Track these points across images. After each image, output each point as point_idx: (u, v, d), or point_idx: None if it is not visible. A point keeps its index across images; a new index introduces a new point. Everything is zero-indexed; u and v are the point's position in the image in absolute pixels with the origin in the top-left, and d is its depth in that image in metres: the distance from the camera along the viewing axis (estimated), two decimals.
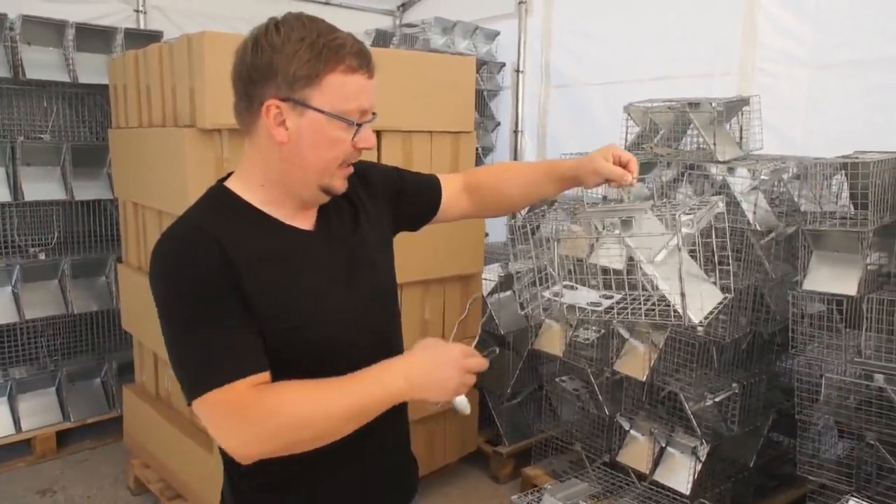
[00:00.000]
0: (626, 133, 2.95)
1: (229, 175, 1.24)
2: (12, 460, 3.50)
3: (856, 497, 1.85)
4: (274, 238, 1.17)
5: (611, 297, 1.40)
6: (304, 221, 1.23)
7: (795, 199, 2.51)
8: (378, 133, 2.83)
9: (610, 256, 1.43)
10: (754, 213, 2.38)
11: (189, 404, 1.07)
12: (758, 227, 2.40)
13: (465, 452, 3.49)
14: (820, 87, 3.10)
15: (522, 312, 3.27)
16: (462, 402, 1.17)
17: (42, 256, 3.58)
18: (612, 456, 2.97)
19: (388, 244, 1.40)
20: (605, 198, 3.01)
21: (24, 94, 3.59)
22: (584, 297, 1.43)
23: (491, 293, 3.32)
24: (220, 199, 1.19)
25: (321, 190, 1.18)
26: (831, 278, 2.21)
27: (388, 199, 1.41)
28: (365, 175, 1.37)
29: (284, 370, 1.10)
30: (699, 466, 2.67)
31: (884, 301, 2.13)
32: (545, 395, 3.44)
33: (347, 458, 1.22)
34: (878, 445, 2.22)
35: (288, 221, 1.20)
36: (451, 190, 1.53)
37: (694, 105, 2.61)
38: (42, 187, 3.49)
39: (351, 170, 1.20)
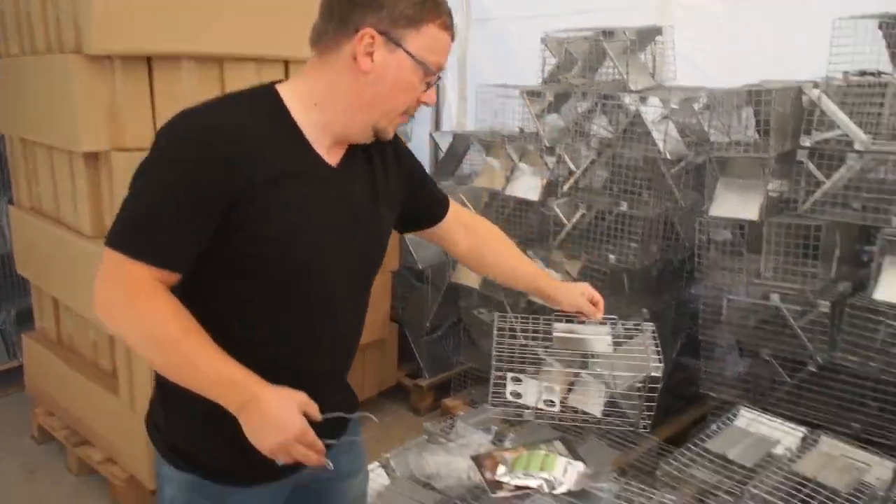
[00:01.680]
0: (544, 65, 2.93)
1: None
2: None
3: (746, 406, 1.95)
4: (297, 159, 1.15)
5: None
6: (332, 157, 1.20)
7: (705, 128, 2.55)
8: (286, 63, 2.69)
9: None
10: (664, 141, 2.41)
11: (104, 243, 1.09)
12: (668, 156, 2.44)
13: (385, 386, 3.51)
14: (735, 19, 3.13)
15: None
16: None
17: None
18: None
19: (393, 215, 1.37)
20: (521, 129, 3.00)
21: None
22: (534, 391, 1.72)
23: None
24: (264, 102, 1.16)
25: (373, 130, 1.18)
26: (735, 204, 2.28)
27: (406, 181, 1.39)
28: (399, 146, 1.37)
29: (249, 285, 1.13)
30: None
31: (782, 225, 2.22)
32: (464, 327, 3.47)
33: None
34: (772, 361, 2.34)
35: (316, 148, 1.18)
36: (456, 218, 1.52)
37: (608, 34, 2.60)
38: None
39: (406, 120, 1.21)
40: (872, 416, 2.22)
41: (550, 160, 2.74)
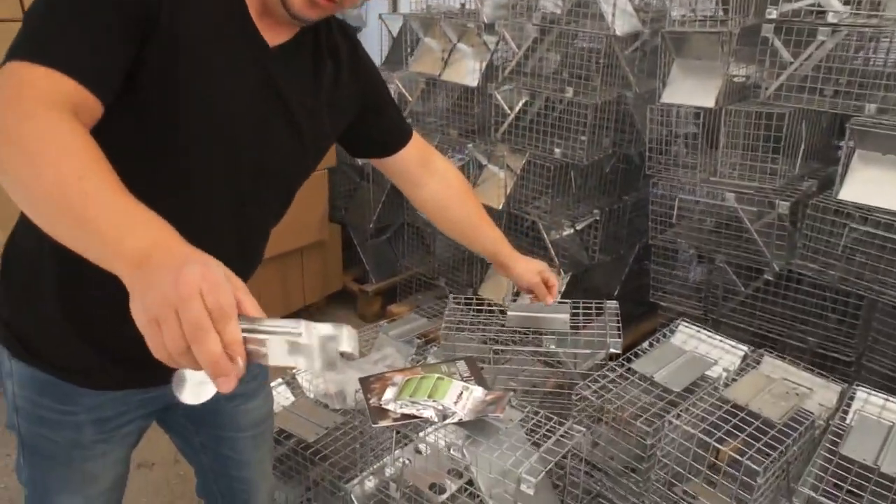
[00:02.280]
0: None
1: None
2: None
3: (686, 322, 1.73)
4: (229, 22, 0.93)
5: None
6: (272, 36, 0.98)
7: (667, 2, 2.20)
8: None
9: None
10: (614, 16, 2.06)
11: None
12: (618, 33, 2.10)
13: (329, 291, 3.31)
14: None
15: None
16: (193, 386, 0.67)
17: None
18: (474, 290, 2.83)
19: (334, 129, 1.14)
20: (462, 5, 2.64)
21: None
22: None
23: None
24: None
25: None
26: (691, 90, 1.97)
27: (359, 99, 1.17)
28: (361, 60, 1.16)
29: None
30: (558, 297, 2.55)
31: (741, 113, 1.91)
32: (412, 230, 3.23)
33: None
34: (727, 268, 2.10)
35: (256, 21, 0.96)
36: (419, 156, 1.34)
37: None
38: None
39: (321, 6, 0.93)
40: (830, 330, 2.01)
41: (490, 40, 2.39)
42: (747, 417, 1.41)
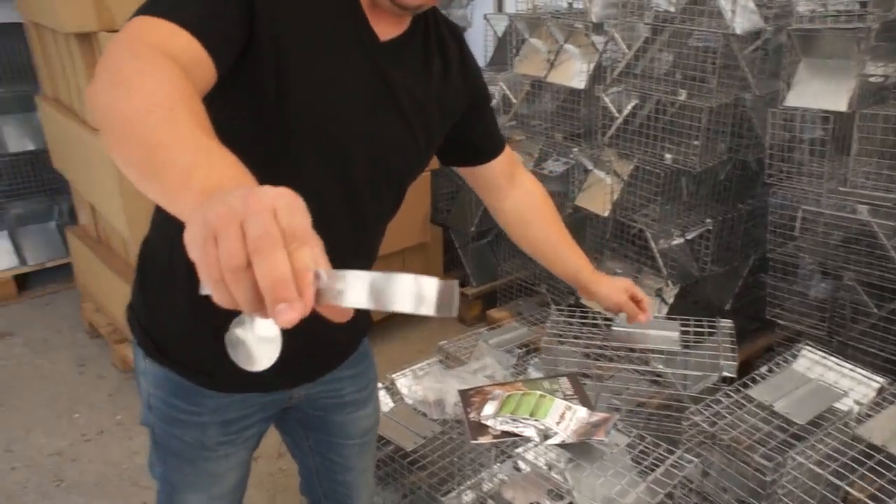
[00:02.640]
0: None
1: None
2: None
3: (810, 346, 1.59)
4: (342, 15, 0.95)
5: None
6: (383, 31, 0.99)
7: None
8: None
9: None
10: (733, 12, 1.93)
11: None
12: (738, 31, 1.97)
13: None
14: None
15: None
16: (260, 335, 0.55)
17: None
18: (576, 298, 2.75)
19: (443, 127, 1.13)
20: (570, 5, 2.56)
21: None
22: None
23: None
24: None
25: None
26: (820, 92, 1.82)
27: (466, 100, 1.16)
28: (468, 59, 1.15)
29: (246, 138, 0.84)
30: (666, 309, 2.44)
31: (877, 117, 1.74)
32: None
33: None
34: (857, 286, 1.93)
35: (369, 16, 0.97)
36: (508, 169, 1.31)
37: None
38: None
39: None
40: None
41: (599, 40, 2.30)
42: (885, 460, 1.28)
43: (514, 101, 2.65)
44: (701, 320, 1.61)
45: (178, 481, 1.16)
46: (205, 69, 0.79)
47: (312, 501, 1.42)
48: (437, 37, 1.07)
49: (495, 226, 3.26)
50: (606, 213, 2.41)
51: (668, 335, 1.57)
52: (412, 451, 1.65)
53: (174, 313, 1.06)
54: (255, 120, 0.91)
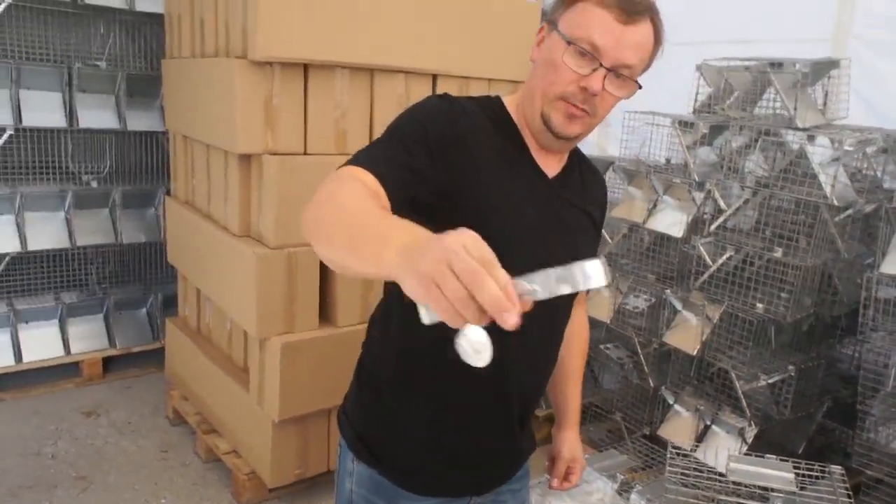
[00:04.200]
0: (697, 93, 2.77)
1: None
2: (62, 381, 3.60)
3: None
4: (516, 160, 1.17)
5: None
6: (548, 167, 1.21)
7: (879, 174, 2.31)
8: (434, 77, 2.71)
9: None
10: (833, 186, 2.19)
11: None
12: (835, 202, 2.22)
13: None
14: None
15: None
16: (472, 339, 0.69)
17: (94, 184, 3.60)
18: (652, 429, 2.88)
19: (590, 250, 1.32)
20: (668, 160, 2.86)
21: (81, 18, 3.54)
22: None
23: None
24: (490, 101, 1.21)
25: (542, 119, 1.14)
26: None
27: (597, 230, 1.35)
28: (604, 194, 1.36)
29: None
30: (745, 448, 2.56)
31: None
32: (587, 361, 3.34)
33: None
34: None
35: (535, 158, 1.19)
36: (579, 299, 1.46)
37: (776, 65, 2.41)
38: (96, 115, 3.48)
39: (576, 112, 1.12)
40: None
41: (698, 196, 2.57)
42: None
43: (610, 241, 2.89)
44: (812, 464, 1.74)
45: None
46: (383, 198, 0.99)
47: None
48: (586, 170, 1.29)
49: None
50: (695, 352, 2.58)
51: (783, 475, 1.71)
52: None
53: (386, 416, 1.23)
54: None
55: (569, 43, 1.07)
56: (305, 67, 2.43)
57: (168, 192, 3.40)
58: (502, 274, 0.65)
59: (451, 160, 1.08)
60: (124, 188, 3.64)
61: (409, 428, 1.22)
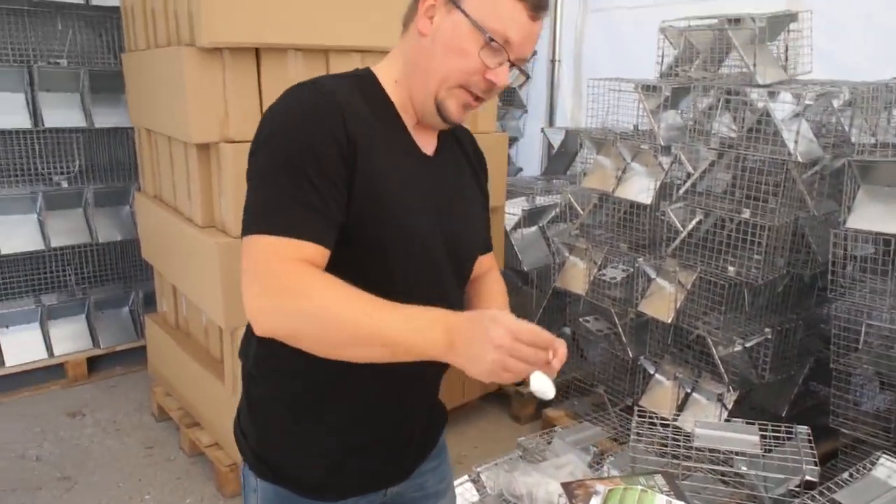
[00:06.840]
0: (662, 57, 2.71)
1: None
2: (47, 383, 3.60)
3: (888, 455, 1.69)
4: (396, 139, 1.12)
5: None
6: (425, 144, 1.17)
7: (846, 128, 2.26)
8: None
9: None
10: (796, 142, 2.14)
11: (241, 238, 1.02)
12: (799, 159, 2.17)
13: (486, 391, 3.41)
14: (880, 5, 2.77)
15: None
16: (539, 384, 0.95)
17: (65, 184, 3.57)
18: (634, 400, 2.85)
19: (481, 215, 1.32)
20: (636, 127, 2.81)
21: (38, 16, 3.48)
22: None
23: (514, 228, 3.17)
24: (361, 79, 1.14)
25: (436, 105, 1.10)
26: (879, 216, 1.99)
27: (482, 192, 1.34)
28: (483, 161, 1.34)
29: (344, 262, 1.03)
30: (725, 414, 2.53)
31: None
32: (571, 335, 3.31)
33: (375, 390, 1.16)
34: None
35: (411, 132, 1.15)
36: (486, 267, 1.40)
37: (734, 21, 2.35)
38: (62, 114, 3.45)
39: (472, 102, 1.10)
40: None
41: (665, 161, 2.52)
42: None
43: (581, 212, 2.85)
44: (778, 426, 1.71)
45: None
46: (325, 255, 1.00)
47: None
48: (459, 136, 1.26)
49: (552, 327, 3.41)
50: (670, 320, 2.54)
51: (748, 438, 1.68)
52: None
53: (285, 435, 1.18)
54: (350, 245, 1.04)
55: (490, 40, 1.03)
56: (257, 52, 2.38)
57: (139, 189, 3.37)
58: (544, 336, 0.94)
59: (350, 170, 1.02)
60: (96, 187, 3.61)
61: (311, 441, 1.17)
